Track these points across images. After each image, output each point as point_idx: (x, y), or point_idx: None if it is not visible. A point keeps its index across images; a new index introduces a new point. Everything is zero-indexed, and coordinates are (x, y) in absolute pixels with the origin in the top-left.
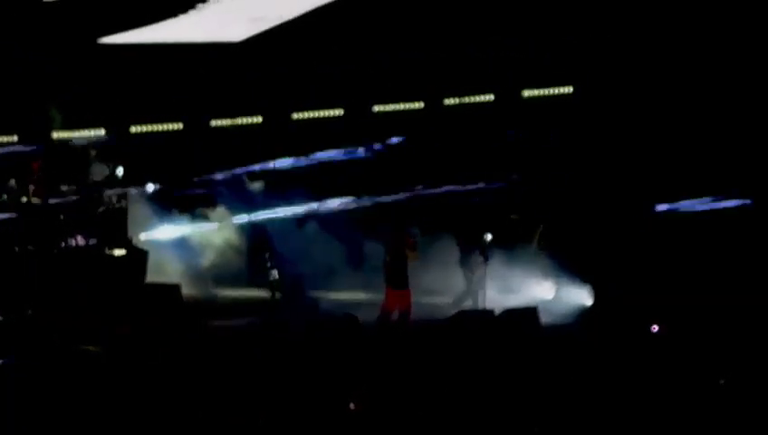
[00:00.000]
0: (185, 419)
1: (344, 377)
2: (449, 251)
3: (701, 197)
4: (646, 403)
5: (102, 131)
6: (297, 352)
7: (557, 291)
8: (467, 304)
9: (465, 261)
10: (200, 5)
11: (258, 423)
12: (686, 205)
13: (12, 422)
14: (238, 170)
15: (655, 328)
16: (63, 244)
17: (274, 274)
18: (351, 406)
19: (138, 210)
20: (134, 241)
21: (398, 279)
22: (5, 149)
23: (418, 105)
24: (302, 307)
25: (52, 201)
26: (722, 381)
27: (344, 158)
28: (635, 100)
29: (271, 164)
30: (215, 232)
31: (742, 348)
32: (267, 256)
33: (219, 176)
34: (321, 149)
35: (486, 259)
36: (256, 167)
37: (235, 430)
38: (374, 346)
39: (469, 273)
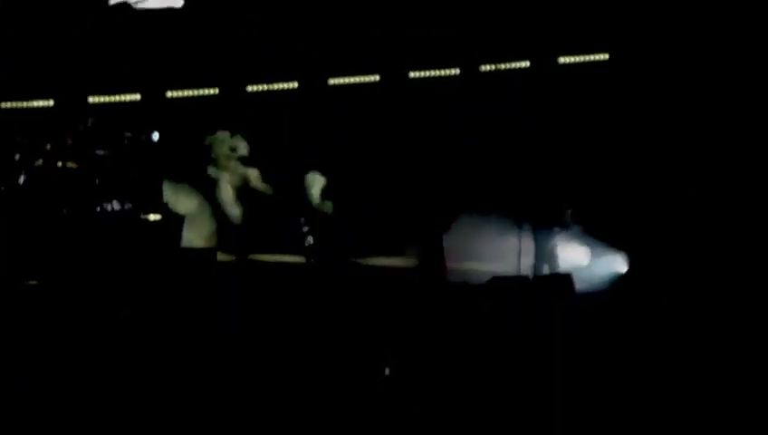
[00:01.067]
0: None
1: (379, 339)
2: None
3: None
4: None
5: (137, 95)
6: (329, 313)
7: (592, 258)
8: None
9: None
10: None
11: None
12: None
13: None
14: None
15: None
16: (99, 209)
17: (309, 239)
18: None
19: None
20: (168, 206)
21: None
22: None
23: (454, 72)
24: (337, 273)
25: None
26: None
27: None
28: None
29: None
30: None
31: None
32: (303, 220)
33: None
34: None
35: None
36: None
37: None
38: (410, 310)
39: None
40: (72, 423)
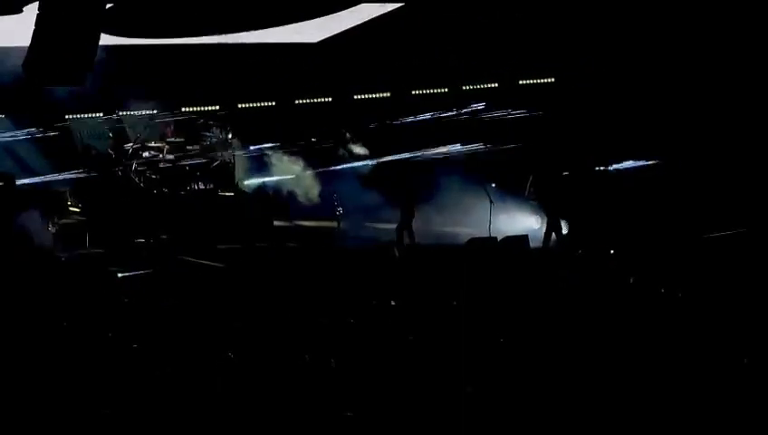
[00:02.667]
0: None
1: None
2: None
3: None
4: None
5: (217, 106)
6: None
7: (541, 224)
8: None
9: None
10: None
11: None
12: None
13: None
14: None
15: None
16: (188, 188)
17: (340, 209)
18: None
19: (242, 164)
20: (239, 186)
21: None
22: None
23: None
24: (357, 235)
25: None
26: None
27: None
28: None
29: None
30: (295, 179)
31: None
32: (335, 196)
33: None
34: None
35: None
36: None
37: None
38: (406, 267)
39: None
40: None
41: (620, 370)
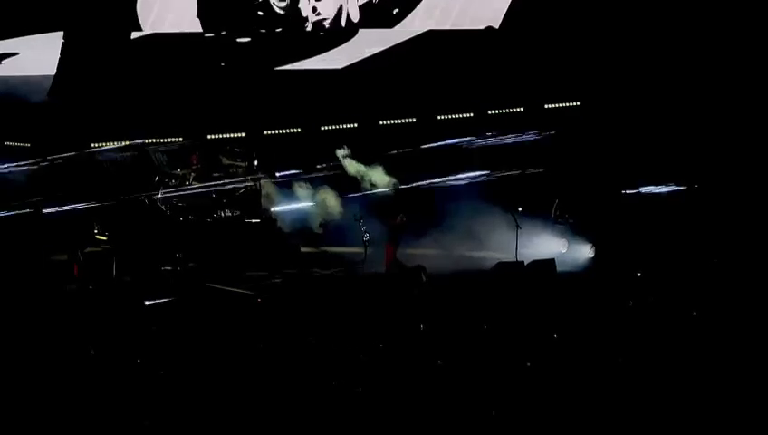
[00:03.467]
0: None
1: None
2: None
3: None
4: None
5: (243, 134)
6: (370, 292)
7: (568, 247)
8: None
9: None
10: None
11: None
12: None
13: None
14: None
15: None
16: (215, 215)
17: (366, 235)
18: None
19: (268, 190)
20: (266, 213)
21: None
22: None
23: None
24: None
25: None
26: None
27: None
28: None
29: None
30: (322, 205)
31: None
32: (361, 222)
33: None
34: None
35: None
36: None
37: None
38: (436, 290)
39: None
40: None
41: (646, 392)
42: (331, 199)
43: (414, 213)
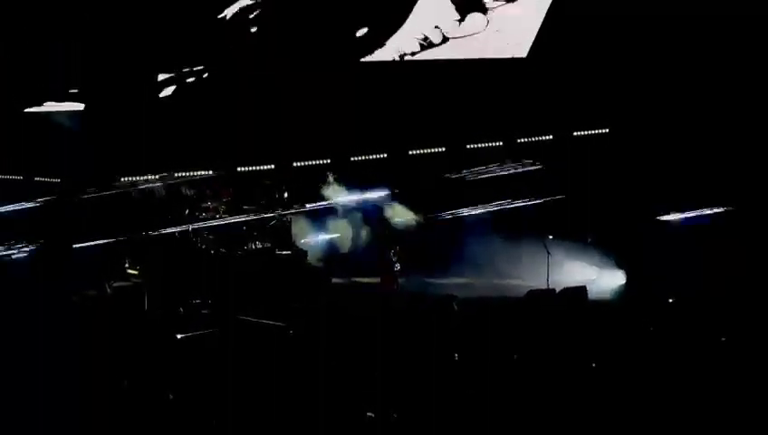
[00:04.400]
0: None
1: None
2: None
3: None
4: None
5: (272, 166)
6: (403, 324)
7: (600, 274)
8: None
9: None
10: None
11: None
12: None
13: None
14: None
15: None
16: (246, 247)
17: (398, 266)
18: None
19: (298, 223)
20: (296, 244)
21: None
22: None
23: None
24: (416, 291)
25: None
26: (723, 339)
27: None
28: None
29: None
30: (353, 235)
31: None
32: (393, 252)
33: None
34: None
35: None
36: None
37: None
38: (469, 319)
39: None
40: None
41: (680, 422)
42: (359, 227)
43: (436, 244)
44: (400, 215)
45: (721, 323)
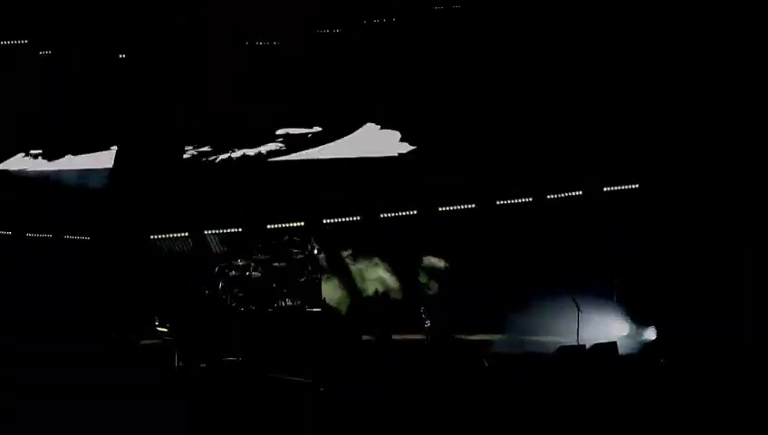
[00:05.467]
0: None
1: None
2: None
3: None
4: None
5: (302, 223)
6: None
7: (630, 329)
8: None
9: None
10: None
11: None
12: None
13: None
14: None
15: None
16: (276, 304)
17: (427, 323)
18: None
19: (329, 279)
20: (327, 301)
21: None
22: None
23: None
24: (446, 347)
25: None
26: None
27: None
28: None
29: None
30: (383, 292)
31: None
32: (422, 309)
33: None
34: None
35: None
36: None
37: None
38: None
39: None
40: None
41: None
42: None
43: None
44: (432, 264)
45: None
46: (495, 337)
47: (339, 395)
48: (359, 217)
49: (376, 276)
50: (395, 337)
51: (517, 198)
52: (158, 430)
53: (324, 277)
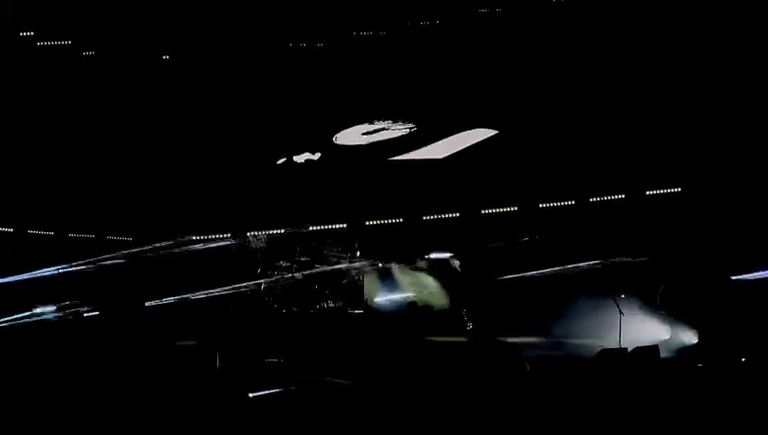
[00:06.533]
0: None
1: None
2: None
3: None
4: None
5: (344, 224)
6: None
7: (672, 333)
8: None
9: None
10: None
11: None
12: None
13: None
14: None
15: None
16: (318, 306)
17: (470, 325)
18: None
19: (371, 281)
20: (368, 303)
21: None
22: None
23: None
24: (489, 350)
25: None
26: None
27: None
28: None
29: None
30: (425, 295)
31: None
32: (465, 311)
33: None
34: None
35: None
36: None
37: None
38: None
39: None
40: None
41: None
42: (435, 293)
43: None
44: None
45: None
46: (537, 340)
47: (379, 397)
48: (401, 220)
49: (418, 279)
50: (437, 340)
51: (560, 201)
52: (196, 430)
53: (366, 279)
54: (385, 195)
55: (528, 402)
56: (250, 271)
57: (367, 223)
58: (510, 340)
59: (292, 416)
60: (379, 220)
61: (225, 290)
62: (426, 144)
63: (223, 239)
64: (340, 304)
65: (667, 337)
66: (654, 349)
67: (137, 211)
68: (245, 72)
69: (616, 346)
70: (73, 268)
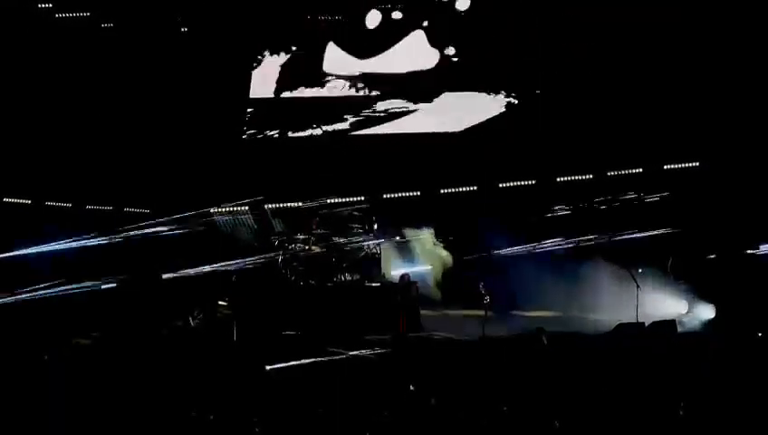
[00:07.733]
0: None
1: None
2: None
3: None
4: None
5: (362, 197)
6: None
7: (689, 307)
8: None
9: None
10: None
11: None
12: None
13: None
14: None
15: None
16: (335, 279)
17: (487, 298)
18: None
19: (388, 254)
20: (385, 277)
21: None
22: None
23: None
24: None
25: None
26: None
27: None
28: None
29: None
30: (443, 268)
31: None
32: (481, 285)
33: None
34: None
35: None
36: None
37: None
38: (557, 353)
39: None
40: None
41: None
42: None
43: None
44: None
45: None
46: (554, 314)
47: (395, 368)
48: (418, 193)
49: (435, 252)
50: (454, 313)
51: (577, 175)
52: (216, 404)
53: (383, 252)
54: (403, 168)
55: (545, 377)
56: (268, 244)
57: (384, 196)
58: (527, 314)
59: (309, 389)
60: (397, 193)
61: (245, 262)
62: (441, 118)
63: (241, 212)
64: (357, 276)
65: (684, 312)
66: (671, 323)
67: (155, 183)
68: (265, 44)
69: (633, 320)
70: (92, 241)
